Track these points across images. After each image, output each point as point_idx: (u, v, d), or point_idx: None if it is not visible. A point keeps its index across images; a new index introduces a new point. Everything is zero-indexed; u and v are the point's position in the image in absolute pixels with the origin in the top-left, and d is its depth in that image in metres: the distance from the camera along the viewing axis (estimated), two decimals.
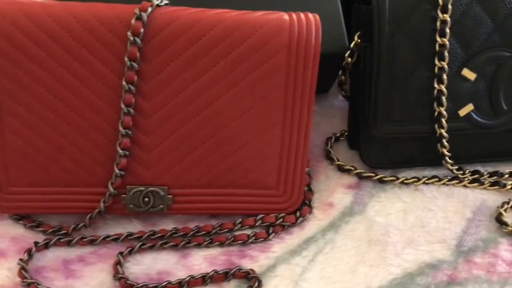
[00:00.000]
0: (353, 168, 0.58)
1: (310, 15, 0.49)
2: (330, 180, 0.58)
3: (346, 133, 0.61)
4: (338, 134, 0.61)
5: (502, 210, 0.53)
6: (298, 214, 0.53)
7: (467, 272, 0.49)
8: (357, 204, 0.55)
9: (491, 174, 0.58)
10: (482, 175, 0.58)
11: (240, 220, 0.53)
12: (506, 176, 0.58)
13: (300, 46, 0.48)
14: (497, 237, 0.52)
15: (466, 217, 0.54)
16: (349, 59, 0.57)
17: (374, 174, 0.57)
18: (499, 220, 0.53)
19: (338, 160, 0.59)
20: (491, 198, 0.56)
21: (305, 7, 0.60)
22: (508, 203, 0.55)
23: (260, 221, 0.53)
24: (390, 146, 0.57)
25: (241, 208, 0.53)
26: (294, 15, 0.48)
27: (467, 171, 0.57)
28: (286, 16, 0.48)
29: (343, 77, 0.59)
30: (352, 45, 0.56)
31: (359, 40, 0.55)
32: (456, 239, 0.51)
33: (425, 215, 0.54)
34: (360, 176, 0.57)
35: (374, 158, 0.57)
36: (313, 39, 0.48)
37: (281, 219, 0.53)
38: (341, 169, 0.58)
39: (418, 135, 0.55)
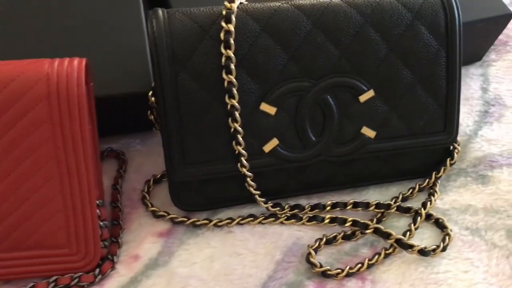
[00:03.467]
0: (166, 214, 0.54)
1: (75, 61, 0.45)
2: (142, 228, 0.54)
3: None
4: (158, 176, 0.58)
5: (311, 250, 0.50)
6: (97, 271, 0.50)
7: None
8: (164, 255, 0.51)
9: (313, 207, 0.55)
10: (303, 209, 0.55)
11: (32, 284, 0.49)
12: (329, 208, 0.55)
13: (61, 97, 0.44)
14: (304, 280, 0.49)
15: (275, 260, 0.51)
16: (153, 99, 0.54)
17: (186, 219, 0.54)
18: (308, 261, 0.50)
19: (152, 206, 0.55)
20: (308, 234, 0.53)
21: (110, 44, 0.57)
22: (321, 239, 0.52)
23: (53, 284, 0.49)
24: (203, 186, 0.54)
25: (34, 271, 0.49)
26: (56, 63, 0.45)
27: (286, 206, 0.55)
28: (46, 65, 0.45)
29: (151, 116, 0.55)
30: (154, 84, 0.53)
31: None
32: (260, 286, 0.48)
33: (232, 261, 0.50)
34: (173, 222, 0.54)
35: (187, 200, 0.54)
36: (75, 89, 0.44)
37: (77, 279, 0.49)
38: (155, 215, 0.55)
39: (226, 175, 0.53)
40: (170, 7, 0.61)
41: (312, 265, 0.50)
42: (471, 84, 0.71)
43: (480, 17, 0.67)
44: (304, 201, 0.56)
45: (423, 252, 0.51)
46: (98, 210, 0.49)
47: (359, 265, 0.50)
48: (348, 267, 0.50)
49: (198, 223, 0.53)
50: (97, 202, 0.49)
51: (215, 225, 0.53)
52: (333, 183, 0.57)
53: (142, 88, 0.56)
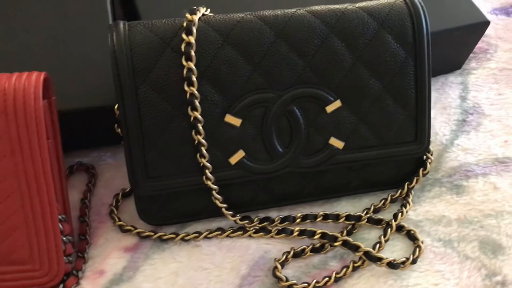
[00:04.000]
0: (132, 228, 0.54)
1: (34, 75, 0.45)
2: (109, 243, 0.53)
3: None
4: (127, 189, 0.57)
5: (278, 263, 0.49)
6: (61, 287, 0.49)
7: None
8: (129, 269, 0.50)
9: (283, 220, 0.55)
10: (273, 221, 0.54)
11: None
12: (299, 220, 0.55)
13: (18, 111, 0.44)
14: None
15: (241, 274, 0.50)
16: (118, 112, 0.54)
17: (153, 233, 0.53)
18: (275, 275, 0.49)
19: (120, 220, 0.54)
20: (276, 247, 0.52)
21: (78, 57, 0.57)
22: (289, 252, 0.51)
23: None
24: (170, 200, 0.53)
25: None
26: (14, 77, 0.45)
27: (255, 219, 0.54)
28: (3, 80, 0.44)
29: (119, 129, 0.55)
30: None
31: None
32: None
33: (198, 276, 0.50)
34: (140, 236, 0.53)
35: (154, 214, 0.53)
36: (32, 103, 0.44)
37: None
38: (123, 229, 0.54)
39: (192, 188, 0.52)
40: (139, 18, 0.61)
41: (278, 279, 0.49)
42: (450, 93, 0.70)
43: (457, 25, 0.66)
44: (274, 214, 0.55)
45: (392, 265, 0.50)
46: (60, 225, 0.49)
47: (326, 278, 0.49)
48: (314, 281, 0.49)
49: (165, 237, 0.53)
50: (60, 217, 0.48)
51: (182, 239, 0.53)
52: (304, 195, 0.56)
53: (109, 101, 0.56)
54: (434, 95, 0.69)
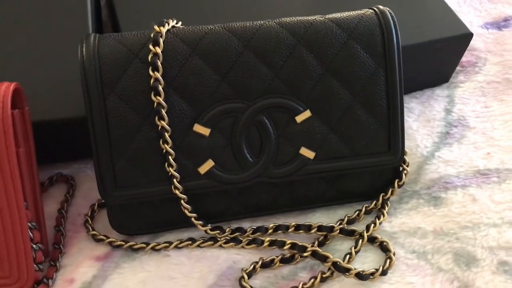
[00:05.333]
0: (105, 238, 0.54)
1: (3, 86, 0.47)
2: (81, 252, 0.54)
3: None
4: (103, 200, 0.58)
5: (244, 273, 0.49)
6: None
7: None
8: (98, 278, 0.51)
9: (255, 231, 0.54)
10: (245, 232, 0.54)
11: None
12: (271, 231, 0.54)
13: None
14: None
15: (208, 284, 0.49)
16: None
17: (124, 243, 0.53)
18: (241, 285, 0.49)
19: (93, 229, 0.55)
20: (246, 258, 0.52)
21: (58, 69, 0.58)
22: (257, 262, 0.51)
23: None
24: (142, 210, 0.53)
25: None
26: None
27: (227, 230, 0.54)
28: None
29: None
30: None
31: None
32: None
33: (165, 285, 0.49)
34: (112, 246, 0.54)
35: (125, 224, 0.54)
36: (1, 112, 0.45)
37: None
38: (95, 238, 0.54)
39: (162, 198, 0.52)
40: (119, 30, 0.62)
41: None
42: (435, 106, 0.69)
43: (439, 37, 0.66)
44: (248, 225, 0.55)
45: (360, 276, 0.49)
46: (30, 233, 0.49)
47: None
48: None
49: (136, 246, 0.53)
50: (30, 224, 0.49)
51: (153, 248, 0.53)
52: (278, 206, 0.56)
53: (78, 114, 0.56)
54: (418, 107, 0.69)
